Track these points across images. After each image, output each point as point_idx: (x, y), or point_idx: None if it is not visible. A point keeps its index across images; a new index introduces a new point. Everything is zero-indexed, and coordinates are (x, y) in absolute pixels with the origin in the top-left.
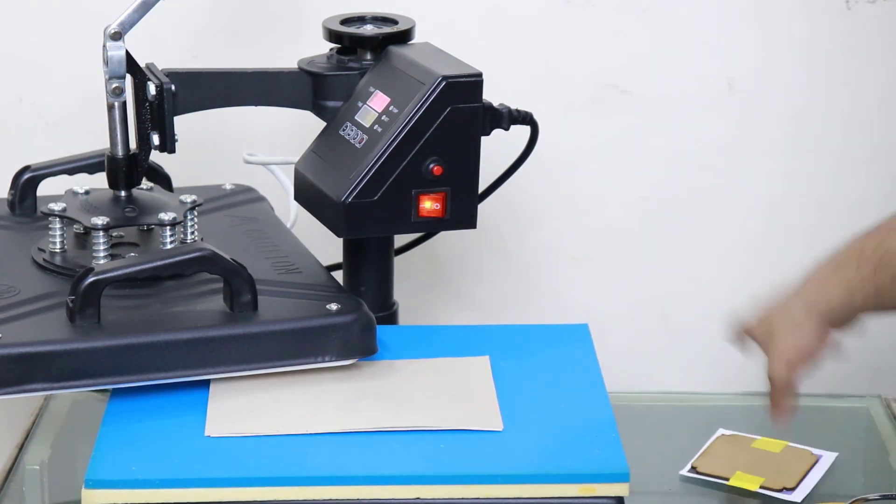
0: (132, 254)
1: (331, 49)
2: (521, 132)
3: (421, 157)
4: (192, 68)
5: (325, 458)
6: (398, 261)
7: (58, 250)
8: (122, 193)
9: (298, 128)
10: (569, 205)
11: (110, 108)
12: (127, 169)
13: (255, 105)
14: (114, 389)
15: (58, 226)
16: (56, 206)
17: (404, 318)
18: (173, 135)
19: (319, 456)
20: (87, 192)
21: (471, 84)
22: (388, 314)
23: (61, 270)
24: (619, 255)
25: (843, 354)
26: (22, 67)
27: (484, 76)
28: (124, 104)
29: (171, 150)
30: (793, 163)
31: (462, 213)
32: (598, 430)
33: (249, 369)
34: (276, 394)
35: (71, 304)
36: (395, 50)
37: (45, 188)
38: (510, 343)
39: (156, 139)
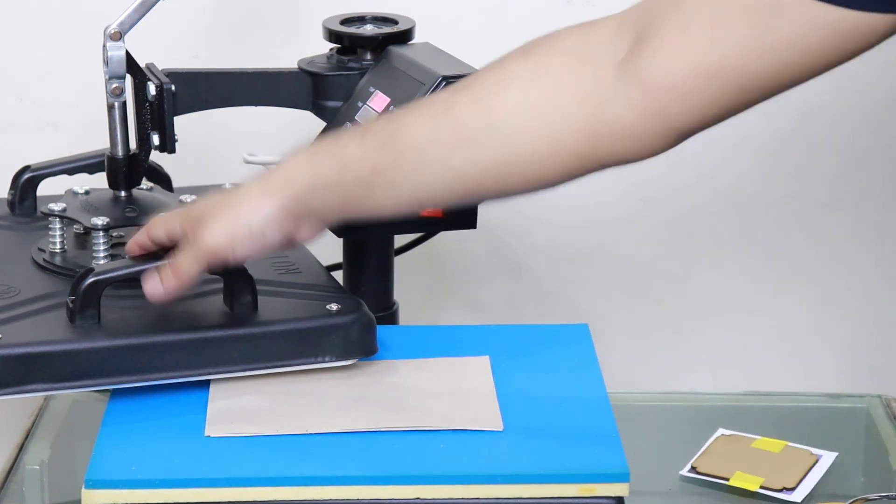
0: None
1: (331, 49)
2: None
3: None
4: (192, 68)
5: (325, 458)
6: (398, 261)
7: (58, 250)
8: (123, 193)
9: (297, 128)
10: (569, 205)
11: (110, 108)
12: (127, 169)
13: (256, 105)
14: (114, 389)
15: (58, 226)
16: (56, 206)
17: (404, 318)
18: (173, 135)
19: (319, 456)
20: (87, 192)
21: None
22: (388, 314)
23: (61, 271)
24: (619, 255)
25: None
26: (22, 67)
27: None
28: (124, 104)
29: (172, 150)
30: (793, 163)
31: (462, 213)
32: (598, 430)
33: (250, 369)
34: (276, 394)
35: (71, 305)
36: (395, 50)
37: (46, 188)
38: (510, 343)
39: (156, 139)
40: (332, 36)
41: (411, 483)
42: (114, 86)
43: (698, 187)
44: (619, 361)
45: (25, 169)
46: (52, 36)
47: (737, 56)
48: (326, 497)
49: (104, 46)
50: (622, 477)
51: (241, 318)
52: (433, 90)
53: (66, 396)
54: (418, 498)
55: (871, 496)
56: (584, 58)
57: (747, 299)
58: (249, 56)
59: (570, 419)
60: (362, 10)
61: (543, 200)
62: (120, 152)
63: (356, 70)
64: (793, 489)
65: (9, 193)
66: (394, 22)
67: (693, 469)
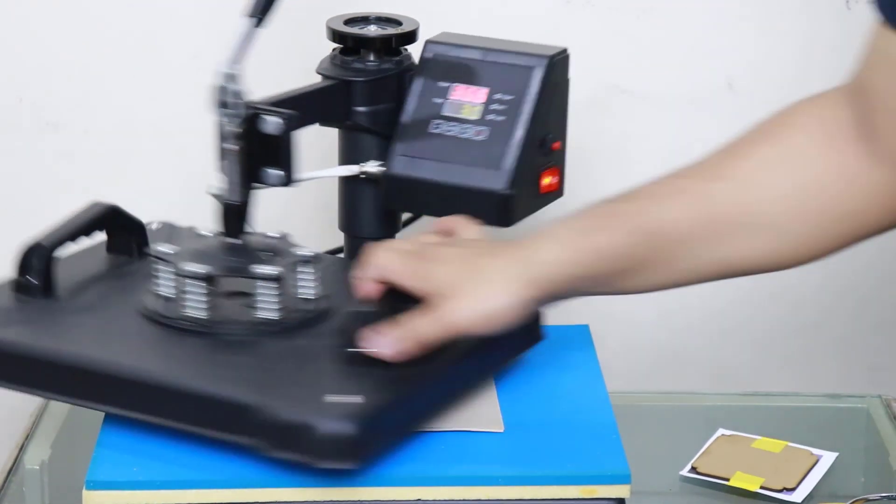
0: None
1: (333, 49)
2: None
3: (543, 135)
4: (270, 97)
5: None
6: None
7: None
8: (233, 240)
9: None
10: (568, 205)
11: (229, 152)
12: (242, 215)
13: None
14: None
15: (164, 270)
16: (166, 249)
17: None
18: (295, 165)
19: None
20: (188, 232)
21: (564, 59)
22: None
23: (176, 323)
24: None
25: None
26: (22, 67)
27: None
28: (244, 147)
29: (293, 182)
30: None
31: (497, 215)
32: (598, 431)
33: None
34: None
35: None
36: (442, 41)
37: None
38: None
39: (275, 175)
40: (336, 36)
41: (412, 484)
42: (235, 129)
43: None
44: (619, 361)
45: (36, 248)
46: (52, 36)
47: None
48: (326, 497)
49: (221, 89)
50: (623, 478)
51: None
52: (545, 70)
53: None
54: (419, 499)
55: (871, 496)
56: (826, 136)
57: (747, 299)
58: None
59: (570, 420)
60: (365, 11)
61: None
62: (238, 197)
63: (393, 71)
64: (793, 489)
65: (22, 277)
66: (397, 23)
67: (693, 469)
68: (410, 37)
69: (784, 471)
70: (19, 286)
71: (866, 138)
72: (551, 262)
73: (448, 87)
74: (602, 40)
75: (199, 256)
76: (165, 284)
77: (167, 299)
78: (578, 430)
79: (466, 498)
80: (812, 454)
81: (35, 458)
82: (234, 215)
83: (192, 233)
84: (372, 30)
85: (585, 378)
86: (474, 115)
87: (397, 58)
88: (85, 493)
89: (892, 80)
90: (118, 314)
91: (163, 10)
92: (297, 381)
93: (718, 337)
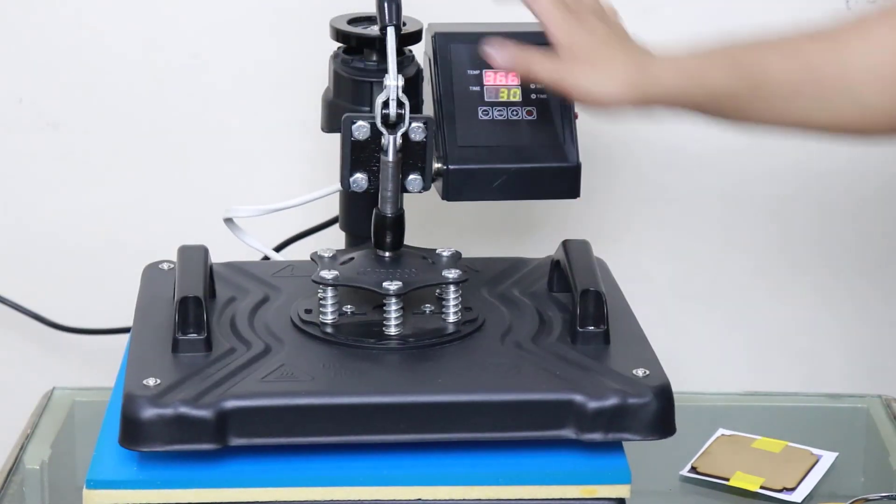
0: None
1: (338, 48)
2: None
3: (572, 107)
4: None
5: (325, 458)
6: None
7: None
8: (388, 254)
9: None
10: (568, 204)
11: (389, 165)
12: (401, 226)
13: None
14: (115, 388)
15: (330, 294)
16: (328, 275)
17: None
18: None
19: (320, 456)
20: (334, 256)
21: None
22: None
23: (349, 341)
24: (618, 255)
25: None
26: (22, 67)
27: None
28: (399, 160)
29: (429, 186)
30: (793, 162)
31: (566, 185)
32: None
33: None
34: None
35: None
36: (449, 33)
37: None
38: None
39: (417, 182)
40: (340, 36)
41: (412, 484)
42: (399, 142)
43: (698, 187)
44: None
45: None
46: (52, 36)
47: None
48: (326, 497)
49: (390, 101)
50: (624, 478)
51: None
52: None
53: (67, 396)
54: (419, 499)
55: (871, 496)
56: None
57: (747, 299)
58: (249, 55)
59: None
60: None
61: (544, 202)
62: (398, 210)
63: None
64: (793, 489)
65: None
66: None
67: (693, 469)
68: (416, 37)
69: (784, 471)
70: (180, 345)
71: None
72: (663, 82)
73: (479, 74)
74: None
75: (375, 275)
76: (342, 309)
77: (355, 323)
78: None
79: (467, 498)
80: (812, 454)
81: (35, 458)
82: (395, 227)
83: (328, 255)
84: (376, 29)
85: None
86: (516, 96)
87: (399, 58)
88: (85, 492)
89: None
90: (308, 350)
91: (163, 10)
92: (556, 371)
93: (718, 337)
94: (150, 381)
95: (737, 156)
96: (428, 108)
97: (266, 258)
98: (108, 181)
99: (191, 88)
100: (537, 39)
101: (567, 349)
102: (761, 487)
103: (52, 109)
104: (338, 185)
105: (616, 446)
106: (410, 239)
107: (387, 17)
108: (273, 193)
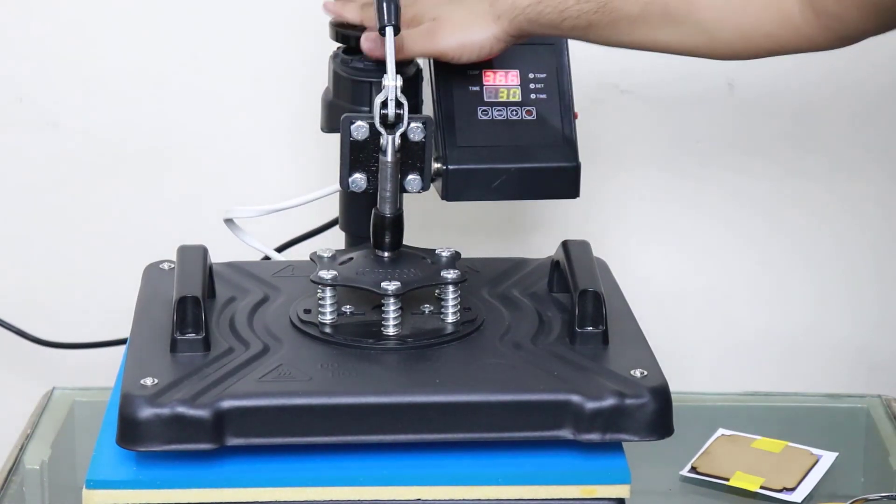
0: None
1: (337, 48)
2: None
3: (571, 106)
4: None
5: (325, 458)
6: None
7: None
8: (387, 254)
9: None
10: (568, 204)
11: (388, 165)
12: (400, 226)
13: None
14: (114, 388)
15: (329, 294)
16: (327, 275)
17: None
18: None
19: (318, 456)
20: (333, 256)
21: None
22: None
23: (349, 342)
24: (618, 255)
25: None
26: (22, 67)
27: None
28: (398, 159)
29: (428, 187)
30: (793, 163)
31: (565, 185)
32: None
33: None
34: None
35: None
36: None
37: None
38: None
39: (416, 183)
40: (339, 36)
41: (412, 484)
42: (398, 142)
43: (697, 186)
44: None
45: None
46: (52, 36)
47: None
48: (326, 497)
49: (389, 102)
50: (623, 478)
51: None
52: (567, 49)
53: (67, 396)
54: (419, 499)
55: (871, 496)
56: None
57: (747, 299)
58: (249, 56)
59: None
60: None
61: (544, 202)
62: (397, 210)
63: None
64: (793, 489)
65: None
66: None
67: (693, 469)
68: None
69: (784, 471)
70: (178, 344)
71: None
72: (517, 9)
73: (478, 75)
74: None
75: (374, 275)
76: (341, 309)
77: (354, 323)
78: None
79: (466, 497)
80: (812, 454)
81: (35, 458)
82: (394, 228)
83: (328, 255)
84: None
85: None
86: (515, 96)
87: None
88: (85, 492)
89: None
90: (306, 350)
91: (163, 10)
92: (554, 372)
93: (718, 337)
94: (148, 381)
95: (736, 156)
96: (427, 109)
97: (266, 258)
98: (107, 181)
99: (191, 89)
100: (539, 40)
101: (565, 349)
102: (761, 487)
103: (52, 109)
104: (338, 186)
105: (616, 446)
106: (410, 239)
107: (385, 18)
108: (273, 193)
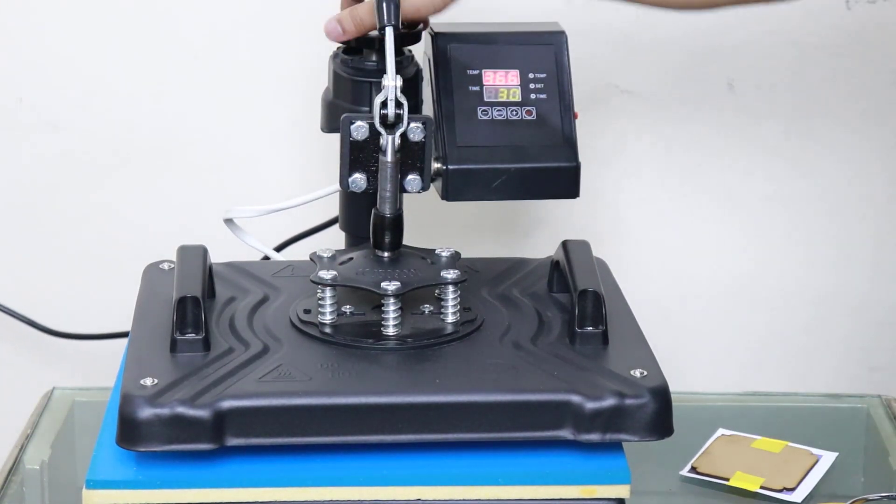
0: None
1: (337, 48)
2: None
3: (572, 106)
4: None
5: (325, 458)
6: None
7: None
8: (387, 254)
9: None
10: (568, 204)
11: (388, 165)
12: (400, 226)
13: None
14: (114, 388)
15: (329, 294)
16: (327, 275)
17: None
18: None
19: (318, 456)
20: (333, 256)
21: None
22: None
23: (349, 342)
24: (618, 255)
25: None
26: (22, 67)
27: None
28: (398, 159)
29: (428, 187)
30: (793, 163)
31: (565, 185)
32: None
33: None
34: None
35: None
36: (452, 34)
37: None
38: None
39: (416, 183)
40: None
41: (410, 484)
42: (397, 142)
43: (697, 186)
44: None
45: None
46: (52, 36)
47: None
48: (326, 497)
49: (388, 102)
50: (623, 479)
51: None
52: (565, 44)
53: (67, 396)
54: (419, 499)
55: (871, 496)
56: None
57: (747, 299)
58: (249, 56)
59: None
60: None
61: (544, 202)
62: (397, 210)
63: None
64: (793, 489)
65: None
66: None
67: (693, 469)
68: (415, 37)
69: (784, 471)
70: (178, 344)
71: None
72: None
73: (478, 75)
74: (602, 40)
75: (374, 275)
76: (340, 309)
77: (354, 323)
78: None
79: (466, 497)
80: (812, 454)
81: (35, 458)
82: (394, 228)
83: (328, 255)
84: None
85: None
86: (515, 96)
87: (398, 58)
88: (85, 492)
89: None
90: (306, 350)
91: (163, 10)
92: (554, 372)
93: (718, 337)
94: (148, 381)
95: (736, 156)
96: (427, 109)
97: (266, 258)
98: (107, 181)
99: (191, 88)
100: (539, 40)
101: (565, 350)
102: (761, 487)
103: (52, 109)
104: (338, 185)
105: (616, 446)
106: (410, 239)
107: (385, 18)
108: (273, 193)
